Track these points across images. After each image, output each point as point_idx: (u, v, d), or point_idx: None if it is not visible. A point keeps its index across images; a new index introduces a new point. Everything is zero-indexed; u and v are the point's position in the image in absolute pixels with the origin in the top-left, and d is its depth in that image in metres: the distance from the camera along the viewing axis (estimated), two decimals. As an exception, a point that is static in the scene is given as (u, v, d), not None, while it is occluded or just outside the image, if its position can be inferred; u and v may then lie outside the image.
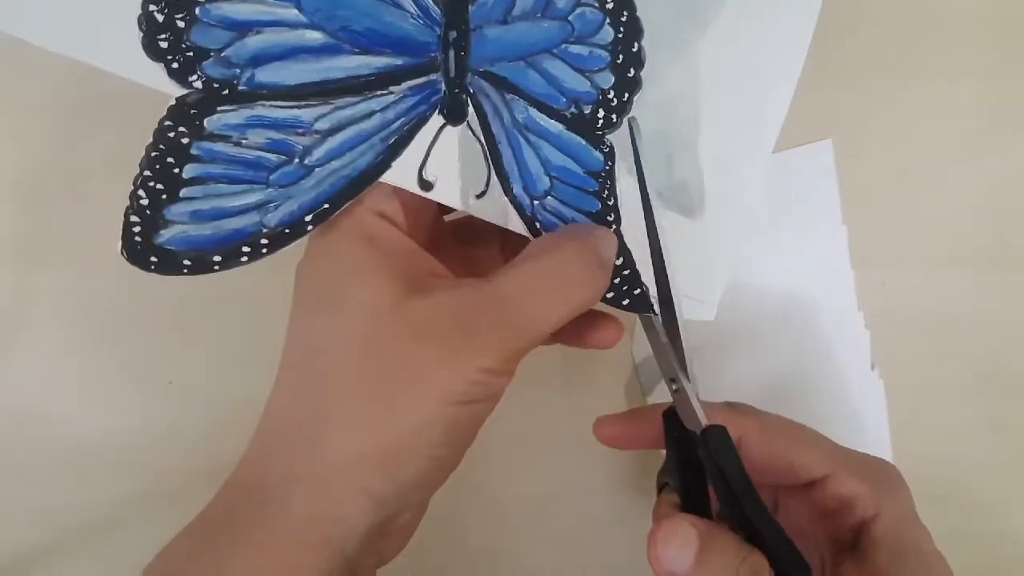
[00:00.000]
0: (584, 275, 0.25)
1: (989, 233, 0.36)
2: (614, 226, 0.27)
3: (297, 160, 0.23)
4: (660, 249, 0.26)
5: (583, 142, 0.26)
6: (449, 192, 0.25)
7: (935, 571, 0.27)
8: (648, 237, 0.26)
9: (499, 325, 0.24)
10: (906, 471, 0.28)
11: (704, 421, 0.26)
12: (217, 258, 0.23)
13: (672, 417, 0.28)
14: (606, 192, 0.27)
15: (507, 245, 0.30)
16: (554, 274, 0.25)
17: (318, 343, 0.24)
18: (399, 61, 0.24)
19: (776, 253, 0.35)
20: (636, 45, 0.26)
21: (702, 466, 0.26)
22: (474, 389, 0.23)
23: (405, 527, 0.27)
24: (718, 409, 0.27)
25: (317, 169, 0.23)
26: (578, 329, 0.29)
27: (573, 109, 0.26)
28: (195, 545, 0.24)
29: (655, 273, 0.27)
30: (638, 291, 0.27)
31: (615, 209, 0.27)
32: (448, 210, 0.28)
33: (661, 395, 0.36)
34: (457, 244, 0.29)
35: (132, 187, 0.22)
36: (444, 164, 0.25)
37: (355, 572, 0.24)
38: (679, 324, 0.27)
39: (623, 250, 0.27)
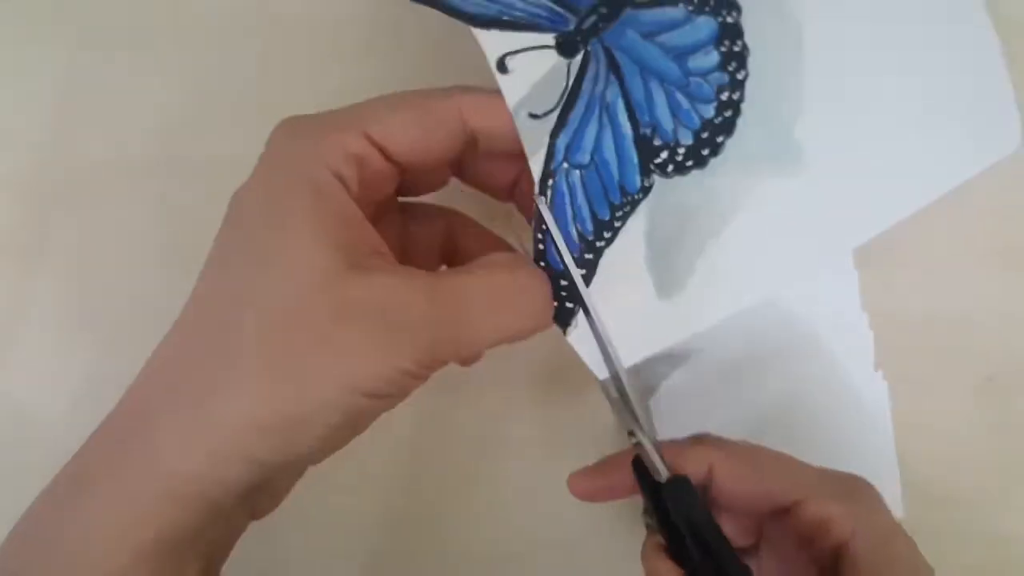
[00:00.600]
0: (535, 306, 0.26)
1: (992, 233, 0.36)
2: (603, 244, 0.27)
3: None
4: (588, 306, 0.27)
5: (636, 160, 0.27)
6: (514, 90, 0.26)
7: None
8: (581, 301, 0.27)
9: (431, 330, 0.23)
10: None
11: (665, 473, 0.26)
12: None
13: (641, 464, 0.27)
14: (620, 213, 0.27)
15: (449, 242, 0.30)
16: (506, 294, 0.25)
17: (236, 295, 0.23)
18: None
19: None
20: (721, 138, 0.28)
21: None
22: (385, 386, 0.23)
23: (276, 492, 0.27)
24: (684, 445, 0.27)
25: None
26: None
27: (648, 132, 0.27)
28: (57, 494, 0.23)
29: (592, 330, 0.27)
30: (569, 305, 0.27)
31: (616, 233, 0.27)
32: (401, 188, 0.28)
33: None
34: (400, 220, 0.29)
35: None
36: (527, 70, 0.26)
37: (223, 527, 0.25)
38: (624, 380, 0.27)
39: (589, 267, 0.27)
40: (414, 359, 0.22)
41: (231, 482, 0.22)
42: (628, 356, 0.27)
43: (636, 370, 0.28)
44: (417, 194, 0.29)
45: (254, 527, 0.27)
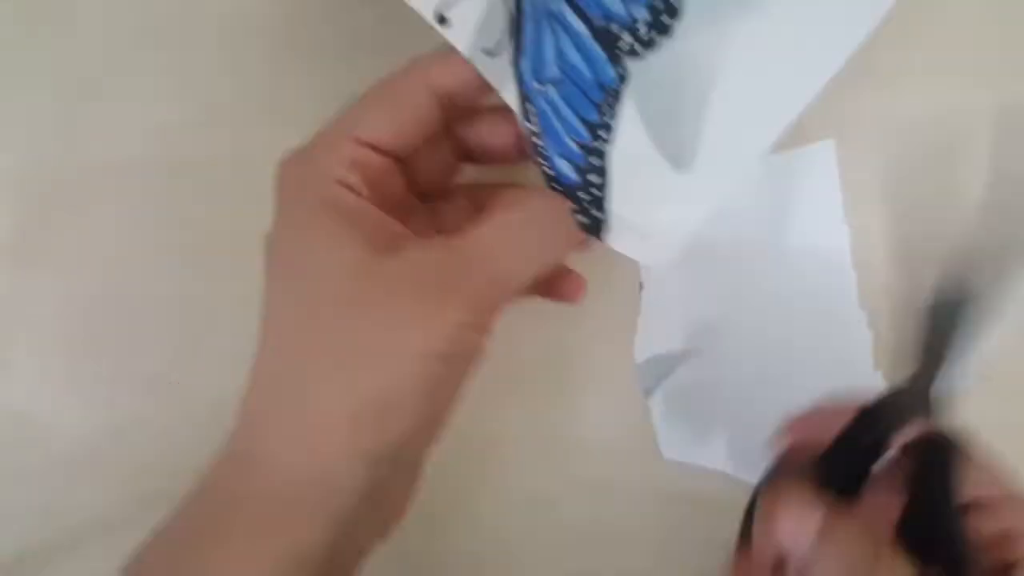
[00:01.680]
0: (555, 228, 0.27)
1: (991, 233, 0.34)
2: (603, 143, 0.27)
3: None
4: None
5: (603, 54, 0.27)
6: (461, 36, 0.26)
7: None
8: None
9: (472, 279, 0.24)
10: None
11: (935, 424, 0.25)
12: None
13: (872, 415, 0.26)
14: (607, 107, 0.27)
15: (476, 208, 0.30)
16: (526, 225, 0.26)
17: (293, 309, 0.25)
18: None
19: (777, 254, 0.34)
20: None
21: (860, 478, 0.25)
22: (452, 345, 0.24)
23: (398, 498, 0.27)
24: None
25: None
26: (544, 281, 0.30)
27: (603, 23, 0.27)
28: (186, 523, 0.25)
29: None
30: (597, 214, 0.27)
31: (610, 128, 0.27)
32: (415, 185, 0.29)
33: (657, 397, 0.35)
34: (424, 208, 0.30)
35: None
36: (466, 11, 0.26)
37: (351, 544, 0.25)
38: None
39: (600, 171, 0.27)
40: (466, 308, 0.24)
41: (345, 485, 0.23)
42: (669, 241, 0.27)
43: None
44: (435, 189, 0.30)
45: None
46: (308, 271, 0.25)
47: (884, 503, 0.25)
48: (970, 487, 0.25)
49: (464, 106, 0.27)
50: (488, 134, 0.28)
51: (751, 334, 0.34)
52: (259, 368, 0.25)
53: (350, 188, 0.25)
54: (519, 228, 0.26)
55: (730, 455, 0.35)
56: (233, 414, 0.26)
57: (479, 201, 0.30)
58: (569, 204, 0.27)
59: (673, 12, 0.28)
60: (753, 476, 0.32)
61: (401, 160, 0.27)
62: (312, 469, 0.23)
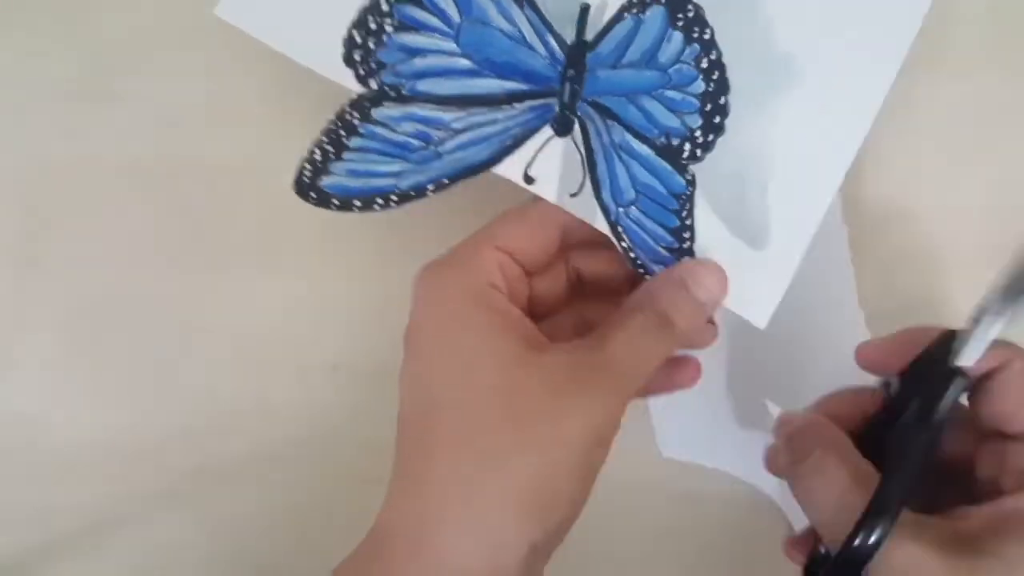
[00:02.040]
0: (682, 313, 0.29)
1: (990, 233, 0.36)
2: (688, 243, 0.31)
3: (433, 147, 0.30)
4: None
5: (669, 167, 0.31)
6: (548, 188, 0.30)
7: None
8: None
9: (615, 372, 0.27)
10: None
11: (974, 363, 0.27)
12: (358, 203, 0.29)
13: (933, 354, 0.28)
14: (684, 212, 0.31)
15: (581, 325, 0.33)
16: (655, 322, 0.28)
17: (451, 398, 0.26)
18: (525, 87, 0.30)
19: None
20: (723, 99, 0.31)
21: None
22: (605, 430, 0.26)
23: None
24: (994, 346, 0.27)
25: (446, 155, 0.30)
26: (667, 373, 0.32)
27: (663, 139, 0.31)
28: None
29: None
30: None
31: (691, 228, 0.31)
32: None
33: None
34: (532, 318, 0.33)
35: (311, 145, 0.29)
36: (547, 167, 0.30)
37: None
38: None
39: None
40: (615, 399, 0.27)
41: (512, 573, 0.24)
42: (766, 308, 0.31)
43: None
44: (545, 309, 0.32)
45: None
46: (466, 363, 0.26)
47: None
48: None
49: (580, 241, 0.31)
50: (604, 264, 0.32)
51: (748, 332, 0.35)
52: (412, 451, 0.26)
53: (496, 288, 0.28)
54: (651, 324, 0.28)
55: (728, 453, 0.36)
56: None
57: (584, 315, 0.33)
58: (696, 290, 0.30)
59: (724, 111, 0.31)
60: (751, 474, 0.33)
61: (528, 274, 0.31)
62: (484, 562, 0.24)
